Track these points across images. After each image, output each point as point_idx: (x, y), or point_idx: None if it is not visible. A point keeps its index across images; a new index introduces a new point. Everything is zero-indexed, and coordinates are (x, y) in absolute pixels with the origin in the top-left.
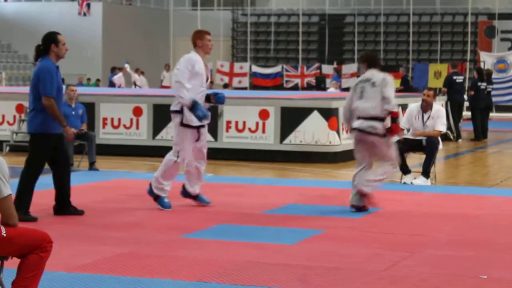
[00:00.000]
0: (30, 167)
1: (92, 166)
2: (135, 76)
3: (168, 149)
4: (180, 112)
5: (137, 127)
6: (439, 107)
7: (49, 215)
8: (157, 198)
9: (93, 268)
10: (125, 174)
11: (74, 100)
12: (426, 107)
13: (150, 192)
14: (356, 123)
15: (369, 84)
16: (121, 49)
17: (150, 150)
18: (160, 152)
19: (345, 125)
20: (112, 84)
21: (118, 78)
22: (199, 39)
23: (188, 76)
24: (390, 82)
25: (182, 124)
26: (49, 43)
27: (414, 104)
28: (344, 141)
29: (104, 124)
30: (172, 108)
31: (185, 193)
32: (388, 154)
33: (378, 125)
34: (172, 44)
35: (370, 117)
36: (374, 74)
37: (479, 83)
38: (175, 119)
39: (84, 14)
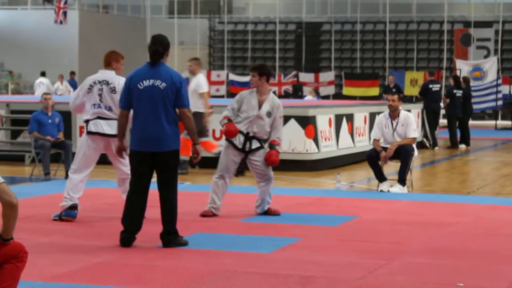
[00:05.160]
0: (175, 185)
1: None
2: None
3: None
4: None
5: None
6: (406, 113)
7: (25, 225)
8: None
9: (69, 277)
10: (103, 183)
11: (50, 108)
12: (393, 113)
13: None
14: None
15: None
16: (98, 57)
17: None
18: None
19: None
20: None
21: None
22: (115, 61)
23: None
24: None
25: None
26: (167, 48)
27: (381, 114)
28: (322, 149)
29: (81, 133)
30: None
31: None
32: None
33: None
34: None
35: None
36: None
37: (454, 91)
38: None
39: (61, 22)
